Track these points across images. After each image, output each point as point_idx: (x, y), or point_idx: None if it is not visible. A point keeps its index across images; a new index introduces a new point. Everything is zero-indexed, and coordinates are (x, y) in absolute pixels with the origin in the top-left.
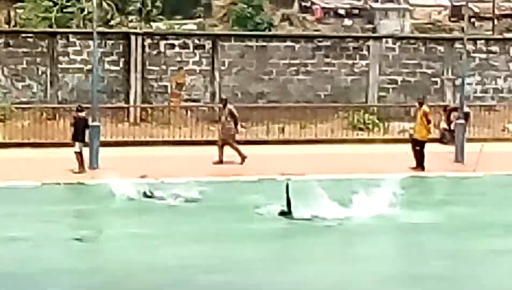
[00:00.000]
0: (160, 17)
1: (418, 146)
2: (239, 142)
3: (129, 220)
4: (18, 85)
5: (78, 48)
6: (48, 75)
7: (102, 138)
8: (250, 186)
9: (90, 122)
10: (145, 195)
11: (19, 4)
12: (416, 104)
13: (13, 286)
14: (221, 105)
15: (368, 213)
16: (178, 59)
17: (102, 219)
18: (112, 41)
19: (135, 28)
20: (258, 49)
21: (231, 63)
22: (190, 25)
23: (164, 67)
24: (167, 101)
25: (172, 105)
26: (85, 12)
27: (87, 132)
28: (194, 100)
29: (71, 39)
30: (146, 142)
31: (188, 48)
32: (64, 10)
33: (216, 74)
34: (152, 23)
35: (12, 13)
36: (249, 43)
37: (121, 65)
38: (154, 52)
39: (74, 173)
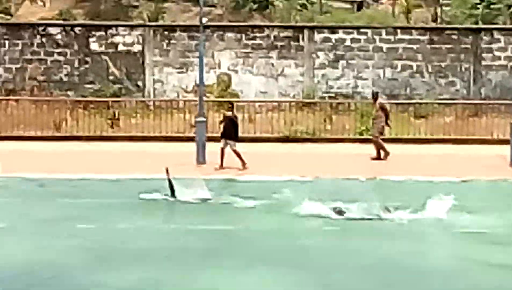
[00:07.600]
0: None
1: None
2: None
3: None
4: (441, 81)
5: (502, 44)
6: (471, 72)
7: None
8: None
9: None
10: None
11: (446, 1)
12: None
13: None
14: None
15: None
16: None
17: None
18: None
19: None
20: None
21: None
22: None
23: None
24: None
25: None
26: None
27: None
28: None
29: (495, 36)
30: None
31: None
32: (491, 7)
33: None
34: None
35: (439, 10)
36: None
37: None
38: None
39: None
